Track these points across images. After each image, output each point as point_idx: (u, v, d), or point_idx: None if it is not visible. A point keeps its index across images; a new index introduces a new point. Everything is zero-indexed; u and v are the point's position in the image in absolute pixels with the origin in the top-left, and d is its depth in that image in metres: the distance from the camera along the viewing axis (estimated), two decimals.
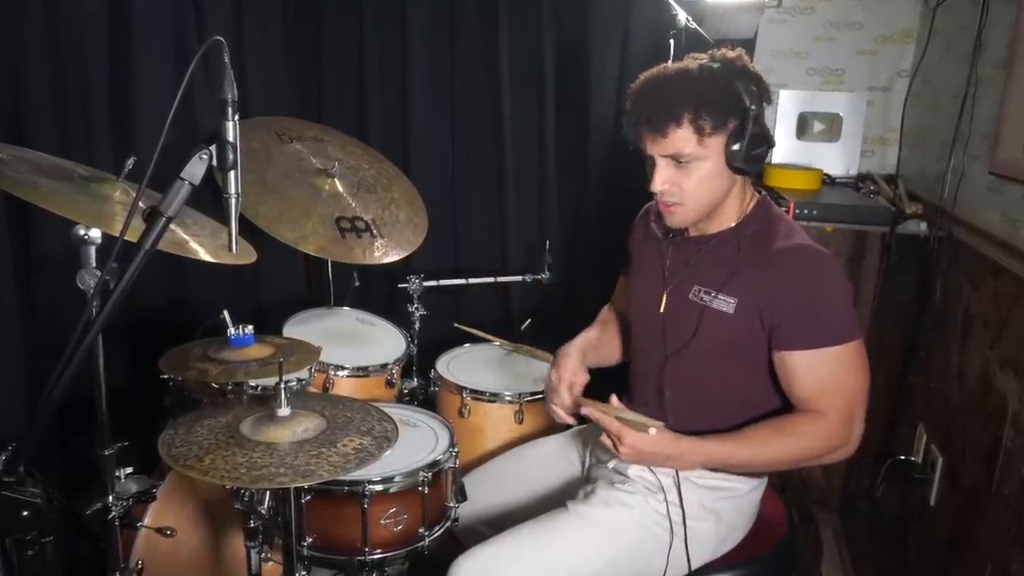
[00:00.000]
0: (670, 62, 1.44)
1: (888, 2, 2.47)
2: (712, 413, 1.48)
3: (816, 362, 1.38)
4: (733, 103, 1.34)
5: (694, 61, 1.39)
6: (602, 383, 1.81)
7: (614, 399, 1.42)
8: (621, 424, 1.36)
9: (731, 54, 1.40)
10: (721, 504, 1.50)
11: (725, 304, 1.42)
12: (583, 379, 1.57)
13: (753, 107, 1.34)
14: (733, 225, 1.46)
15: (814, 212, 2.15)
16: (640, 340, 1.61)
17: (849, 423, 1.40)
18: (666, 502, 1.47)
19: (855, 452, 1.44)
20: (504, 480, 1.73)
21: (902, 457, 1.96)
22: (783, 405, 1.46)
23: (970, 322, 1.71)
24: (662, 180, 1.39)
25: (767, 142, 1.39)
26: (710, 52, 1.41)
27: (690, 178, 1.38)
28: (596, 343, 1.71)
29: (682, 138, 1.34)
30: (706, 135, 1.33)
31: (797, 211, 2.14)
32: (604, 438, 1.41)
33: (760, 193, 1.51)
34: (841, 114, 2.55)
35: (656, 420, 1.38)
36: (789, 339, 1.39)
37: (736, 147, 1.35)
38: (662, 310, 1.52)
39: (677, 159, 1.37)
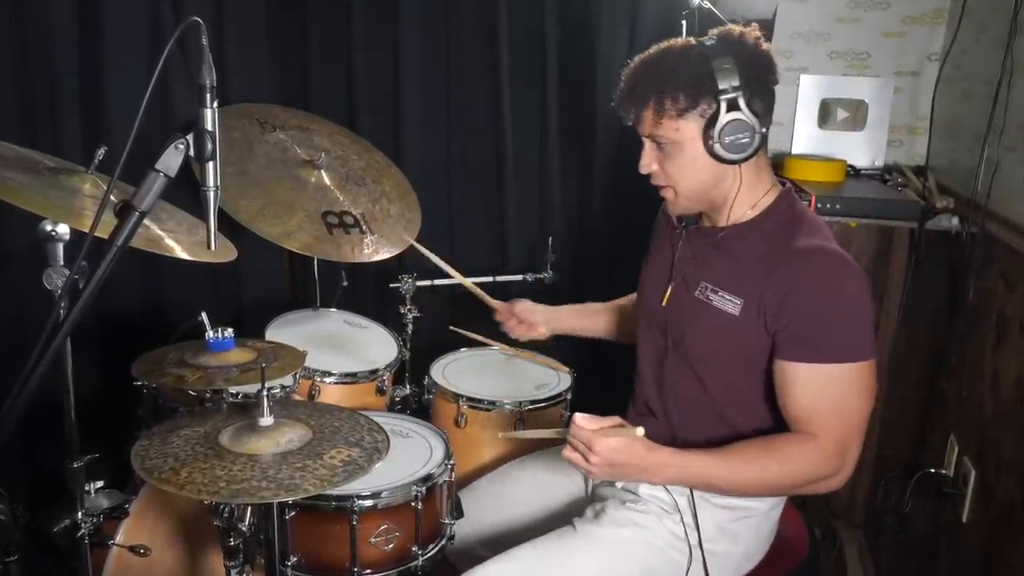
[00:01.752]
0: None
1: None
2: (711, 413, 1.48)
3: (817, 378, 1.35)
4: (705, 85, 1.34)
5: (689, 40, 1.41)
6: (604, 383, 1.82)
7: (579, 417, 1.36)
8: (593, 432, 1.33)
9: (736, 31, 1.39)
10: (738, 525, 1.49)
11: (731, 305, 1.42)
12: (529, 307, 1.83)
13: (729, 90, 1.33)
14: (748, 219, 1.46)
15: (837, 206, 2.15)
16: (643, 332, 1.62)
17: (843, 451, 1.36)
18: (683, 523, 1.47)
19: (853, 476, 1.41)
20: (503, 496, 1.73)
21: (932, 470, 1.96)
22: (775, 421, 1.44)
23: (1006, 324, 1.71)
24: (644, 162, 1.44)
25: (751, 129, 1.34)
26: (718, 29, 1.41)
27: (671, 161, 1.40)
28: (582, 309, 1.89)
29: (648, 120, 1.37)
30: (671, 118, 1.35)
31: (819, 205, 2.14)
32: (568, 452, 1.36)
33: (784, 185, 1.50)
34: (866, 101, 2.55)
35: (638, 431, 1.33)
36: (792, 349, 1.37)
37: (714, 132, 1.34)
38: (664, 303, 1.53)
39: (656, 142, 1.40)
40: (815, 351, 1.35)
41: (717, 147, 1.35)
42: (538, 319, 1.89)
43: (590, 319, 1.92)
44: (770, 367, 1.41)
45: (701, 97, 1.34)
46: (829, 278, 1.36)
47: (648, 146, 1.42)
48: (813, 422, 1.37)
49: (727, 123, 1.33)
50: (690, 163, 1.39)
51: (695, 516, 1.46)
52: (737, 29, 1.40)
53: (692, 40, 1.40)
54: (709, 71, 1.33)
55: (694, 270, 1.50)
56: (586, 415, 1.36)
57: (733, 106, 1.33)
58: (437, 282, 2.37)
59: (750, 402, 1.46)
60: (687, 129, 1.36)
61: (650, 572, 1.46)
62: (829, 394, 1.36)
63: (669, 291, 1.52)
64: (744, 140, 1.35)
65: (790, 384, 1.38)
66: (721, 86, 1.32)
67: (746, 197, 1.44)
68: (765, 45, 1.40)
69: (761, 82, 1.36)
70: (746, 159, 1.37)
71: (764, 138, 1.37)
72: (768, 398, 1.43)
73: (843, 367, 1.35)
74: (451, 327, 2.31)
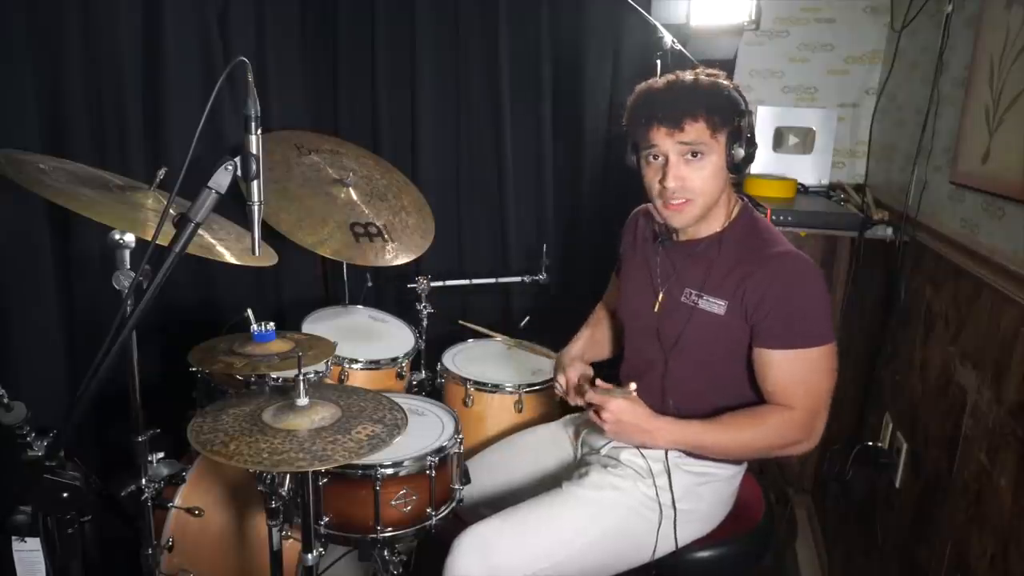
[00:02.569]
0: (660, 76, 1.46)
1: (857, 26, 2.48)
2: (704, 401, 1.48)
3: (790, 361, 1.39)
4: (733, 107, 1.38)
5: (691, 73, 1.41)
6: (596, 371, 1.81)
7: (599, 382, 1.46)
8: (603, 395, 1.41)
9: (716, 71, 1.42)
10: (702, 488, 1.50)
11: (716, 306, 1.42)
12: (588, 374, 1.60)
13: (746, 113, 1.39)
14: (719, 230, 1.46)
15: (789, 218, 2.15)
16: (635, 339, 1.61)
17: (813, 420, 1.40)
18: (655, 486, 1.47)
19: (818, 443, 1.44)
20: (504, 464, 1.73)
21: (870, 443, 1.96)
22: (758, 396, 1.46)
23: (932, 320, 1.71)
24: (675, 175, 1.38)
25: (756, 145, 1.42)
26: (699, 70, 1.42)
27: (702, 172, 1.38)
28: (591, 343, 1.76)
29: (698, 130, 1.36)
30: (717, 130, 1.36)
31: (774, 217, 2.14)
32: (591, 415, 1.44)
33: (743, 200, 1.51)
34: (814, 128, 2.55)
35: (631, 391, 1.41)
36: (769, 337, 1.39)
37: (736, 147, 1.38)
38: (656, 310, 1.52)
39: (693, 152, 1.37)
40: (788, 339, 1.38)
41: (735, 156, 1.38)
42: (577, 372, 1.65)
43: (598, 347, 1.79)
44: (750, 355, 1.43)
45: (733, 116, 1.38)
46: (798, 277, 1.38)
47: (677, 161, 1.37)
48: (787, 397, 1.40)
49: (744, 139, 1.39)
50: (716, 172, 1.39)
51: (669, 480, 1.46)
52: (713, 70, 1.42)
53: (694, 73, 1.41)
54: (734, 97, 1.38)
55: (677, 279, 1.49)
56: (601, 384, 1.44)
57: (747, 127, 1.39)
58: (449, 283, 2.37)
59: (736, 387, 1.47)
60: (721, 142, 1.38)
61: (624, 527, 1.46)
62: (800, 373, 1.39)
63: (660, 298, 1.52)
64: (753, 154, 1.41)
65: (767, 367, 1.40)
66: (740, 109, 1.38)
67: (721, 210, 1.46)
68: None
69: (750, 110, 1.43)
70: (744, 171, 1.42)
71: None
72: (750, 382, 1.45)
73: (811, 351, 1.38)
74: (461, 321, 2.31)
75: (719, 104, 1.36)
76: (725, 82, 1.40)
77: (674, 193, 1.39)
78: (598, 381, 1.45)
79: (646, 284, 1.56)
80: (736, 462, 1.53)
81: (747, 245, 1.43)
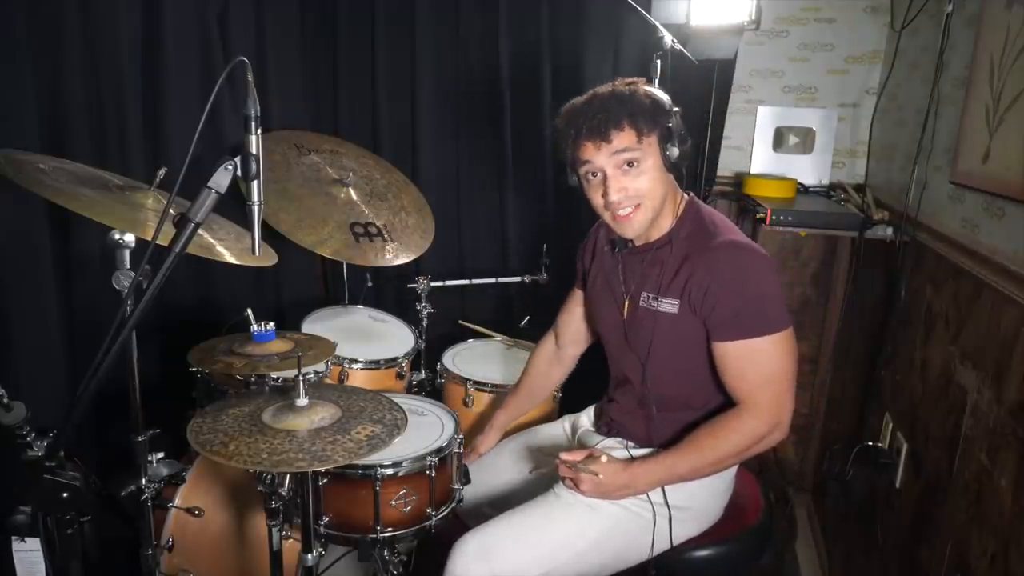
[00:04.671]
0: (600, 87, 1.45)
1: (857, 25, 2.48)
2: (692, 408, 1.48)
3: (745, 352, 1.38)
4: (656, 108, 1.38)
5: (609, 85, 1.42)
6: (590, 370, 1.81)
7: (563, 456, 1.44)
8: (575, 472, 1.41)
9: (636, 79, 1.44)
10: (693, 485, 1.48)
11: (670, 306, 1.42)
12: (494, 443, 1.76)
13: (672, 114, 1.39)
14: (668, 229, 1.46)
15: (789, 218, 2.15)
16: (612, 352, 1.62)
17: (776, 408, 1.39)
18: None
19: (787, 432, 1.43)
20: (504, 464, 1.73)
21: (870, 443, 1.96)
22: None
23: (932, 320, 1.71)
24: (616, 188, 1.39)
25: (690, 139, 1.42)
26: (617, 81, 1.44)
27: (642, 178, 1.39)
28: (513, 410, 1.84)
29: (625, 138, 1.36)
30: (644, 135, 1.37)
31: (774, 217, 2.14)
32: (568, 483, 1.44)
33: (688, 195, 1.51)
34: (814, 128, 2.55)
35: (601, 458, 1.42)
36: (721, 330, 1.38)
37: (670, 147, 1.38)
38: (624, 317, 1.53)
39: (628, 162, 1.38)
40: (738, 329, 1.37)
41: (671, 156, 1.39)
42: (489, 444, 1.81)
43: (523, 400, 1.87)
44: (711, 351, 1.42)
45: (659, 118, 1.37)
46: (739, 266, 1.38)
47: (614, 173, 1.38)
48: (747, 389, 1.39)
49: (677, 137, 1.39)
50: (655, 175, 1.40)
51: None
52: (633, 79, 1.44)
53: (625, 80, 1.43)
54: (658, 98, 1.39)
55: (637, 286, 1.50)
56: (567, 452, 1.44)
57: (677, 126, 1.39)
58: (448, 283, 2.37)
59: (704, 383, 1.46)
60: (653, 145, 1.38)
61: (622, 527, 1.46)
62: (756, 364, 1.38)
63: (626, 305, 1.52)
64: (688, 149, 1.41)
65: (723, 360, 1.40)
66: (664, 110, 1.38)
67: (669, 210, 1.46)
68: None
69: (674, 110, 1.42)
70: (681, 168, 1.42)
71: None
72: (716, 377, 1.44)
73: (764, 339, 1.36)
74: (460, 321, 2.31)
75: (641, 109, 1.36)
76: (645, 87, 1.41)
77: (620, 204, 1.40)
78: (563, 455, 1.43)
79: (610, 296, 1.57)
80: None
81: (693, 240, 1.43)
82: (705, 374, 1.45)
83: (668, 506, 1.45)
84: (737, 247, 1.39)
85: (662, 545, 1.47)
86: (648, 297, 1.46)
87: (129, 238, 1.29)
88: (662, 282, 1.44)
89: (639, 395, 1.53)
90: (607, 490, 1.41)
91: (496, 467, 1.73)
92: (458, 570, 1.39)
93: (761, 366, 1.38)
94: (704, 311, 1.38)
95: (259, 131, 1.02)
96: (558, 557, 1.42)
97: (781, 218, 2.13)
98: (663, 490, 1.45)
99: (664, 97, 1.40)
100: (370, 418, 1.30)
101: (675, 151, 1.39)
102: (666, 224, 1.47)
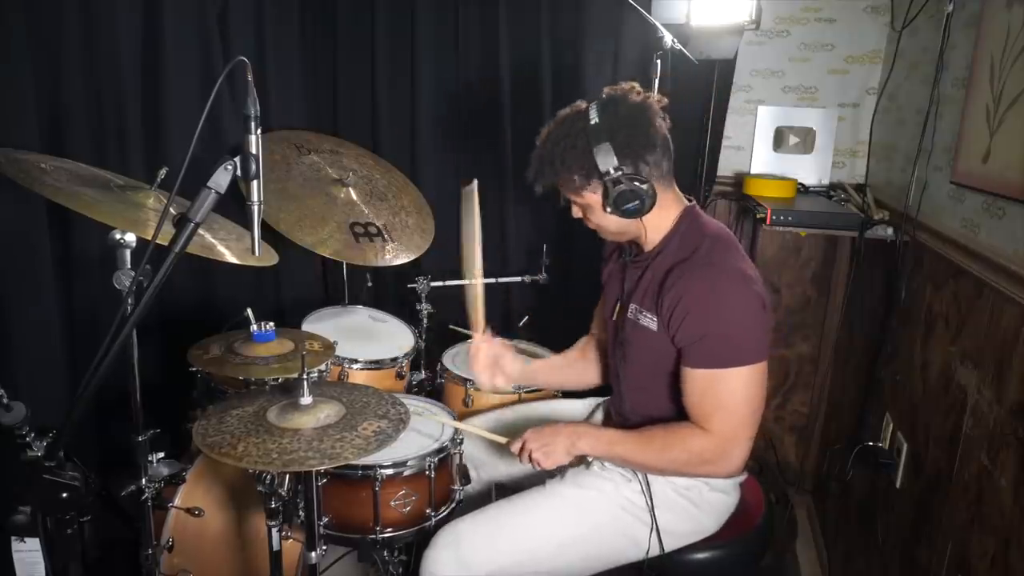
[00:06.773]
0: (569, 108, 1.43)
1: (857, 25, 2.47)
2: (654, 407, 1.48)
3: (707, 381, 1.33)
4: (593, 172, 1.33)
5: (578, 114, 1.36)
6: None
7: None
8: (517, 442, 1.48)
9: (617, 93, 1.37)
10: (692, 493, 1.48)
11: (650, 321, 1.40)
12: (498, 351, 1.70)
13: (611, 171, 1.30)
14: (659, 240, 1.44)
15: (789, 218, 2.15)
16: (608, 349, 1.62)
17: (728, 445, 1.34)
18: (642, 492, 1.46)
19: (737, 470, 1.40)
20: (505, 463, 1.72)
21: (870, 444, 1.96)
22: None
23: (933, 320, 1.71)
24: (574, 213, 1.45)
25: (639, 193, 1.31)
26: (555, 119, 1.41)
27: (590, 216, 1.42)
28: (547, 367, 1.82)
29: (561, 192, 1.40)
30: (575, 192, 1.37)
31: (774, 217, 2.14)
32: (531, 463, 1.47)
33: (690, 201, 1.46)
34: (814, 128, 2.55)
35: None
36: (687, 355, 1.35)
37: (607, 203, 1.34)
38: (614, 318, 1.53)
39: (581, 208, 1.42)
40: (700, 357, 1.33)
41: (616, 213, 1.34)
42: (510, 372, 1.70)
43: (556, 375, 1.83)
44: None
45: (591, 179, 1.34)
46: (716, 289, 1.31)
47: (576, 211, 1.44)
48: (702, 418, 1.35)
49: (615, 197, 1.32)
50: (603, 218, 1.39)
51: (648, 485, 1.45)
52: (618, 90, 1.38)
53: (580, 113, 1.36)
54: (591, 161, 1.31)
55: (629, 294, 1.49)
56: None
57: (617, 182, 1.31)
58: (449, 283, 2.37)
59: (676, 402, 1.43)
60: (591, 196, 1.37)
61: (606, 527, 1.46)
62: (716, 395, 1.33)
63: (617, 308, 1.52)
64: (635, 205, 1.32)
65: (685, 383, 1.37)
66: (603, 169, 1.31)
67: (657, 224, 1.42)
68: (643, 99, 1.37)
69: (642, 145, 1.32)
70: (644, 213, 1.35)
71: (654, 189, 1.33)
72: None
73: (727, 372, 1.31)
74: (450, 326, 2.30)
75: (574, 169, 1.33)
76: (604, 127, 1.30)
77: (584, 222, 1.45)
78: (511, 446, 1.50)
79: (612, 298, 1.57)
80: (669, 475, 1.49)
81: (677, 259, 1.38)
82: (677, 395, 1.41)
83: (653, 516, 1.44)
84: (720, 270, 1.33)
85: (657, 549, 1.46)
86: (635, 309, 1.45)
87: (130, 238, 1.29)
88: (646, 297, 1.42)
89: (621, 394, 1.55)
90: (553, 442, 1.43)
91: (497, 466, 1.73)
92: (428, 559, 1.41)
93: (720, 399, 1.32)
94: (672, 331, 1.35)
95: (259, 131, 1.02)
96: (535, 548, 1.42)
97: (781, 218, 2.13)
98: (649, 498, 1.44)
99: (608, 151, 1.29)
100: (374, 413, 1.31)
101: (616, 190, 1.30)
102: (656, 237, 1.44)
